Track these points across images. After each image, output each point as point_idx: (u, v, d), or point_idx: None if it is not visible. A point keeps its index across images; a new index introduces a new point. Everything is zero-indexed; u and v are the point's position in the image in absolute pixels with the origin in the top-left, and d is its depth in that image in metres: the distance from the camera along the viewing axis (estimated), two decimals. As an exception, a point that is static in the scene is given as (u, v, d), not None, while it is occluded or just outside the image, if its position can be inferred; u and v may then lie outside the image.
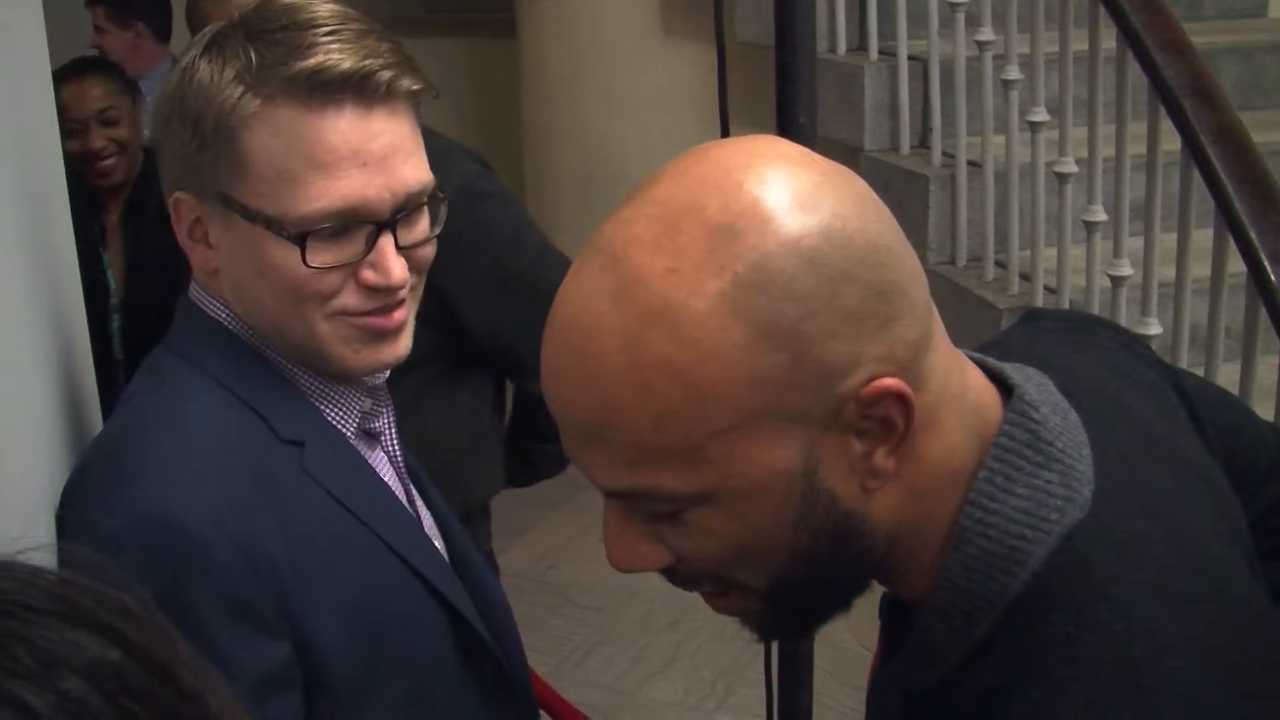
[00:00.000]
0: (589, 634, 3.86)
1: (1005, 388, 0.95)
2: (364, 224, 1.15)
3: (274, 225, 1.13)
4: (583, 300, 0.86)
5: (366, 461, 1.25)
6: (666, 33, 4.09)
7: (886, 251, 0.86)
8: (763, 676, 2.07)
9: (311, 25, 1.13)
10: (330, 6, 1.17)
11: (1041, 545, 0.89)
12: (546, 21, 4.57)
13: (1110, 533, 0.90)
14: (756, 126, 2.20)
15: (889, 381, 0.85)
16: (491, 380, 2.26)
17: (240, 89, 1.12)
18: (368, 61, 1.13)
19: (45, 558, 0.56)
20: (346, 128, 1.13)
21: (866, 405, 0.85)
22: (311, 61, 1.11)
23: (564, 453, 0.92)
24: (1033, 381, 0.96)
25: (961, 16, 3.12)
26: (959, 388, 0.92)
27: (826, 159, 0.91)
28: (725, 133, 1.77)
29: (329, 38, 1.13)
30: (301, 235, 1.12)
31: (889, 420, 0.86)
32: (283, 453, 1.16)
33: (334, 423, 1.23)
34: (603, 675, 3.66)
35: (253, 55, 1.12)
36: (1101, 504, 0.91)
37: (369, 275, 1.16)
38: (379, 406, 1.28)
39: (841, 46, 3.46)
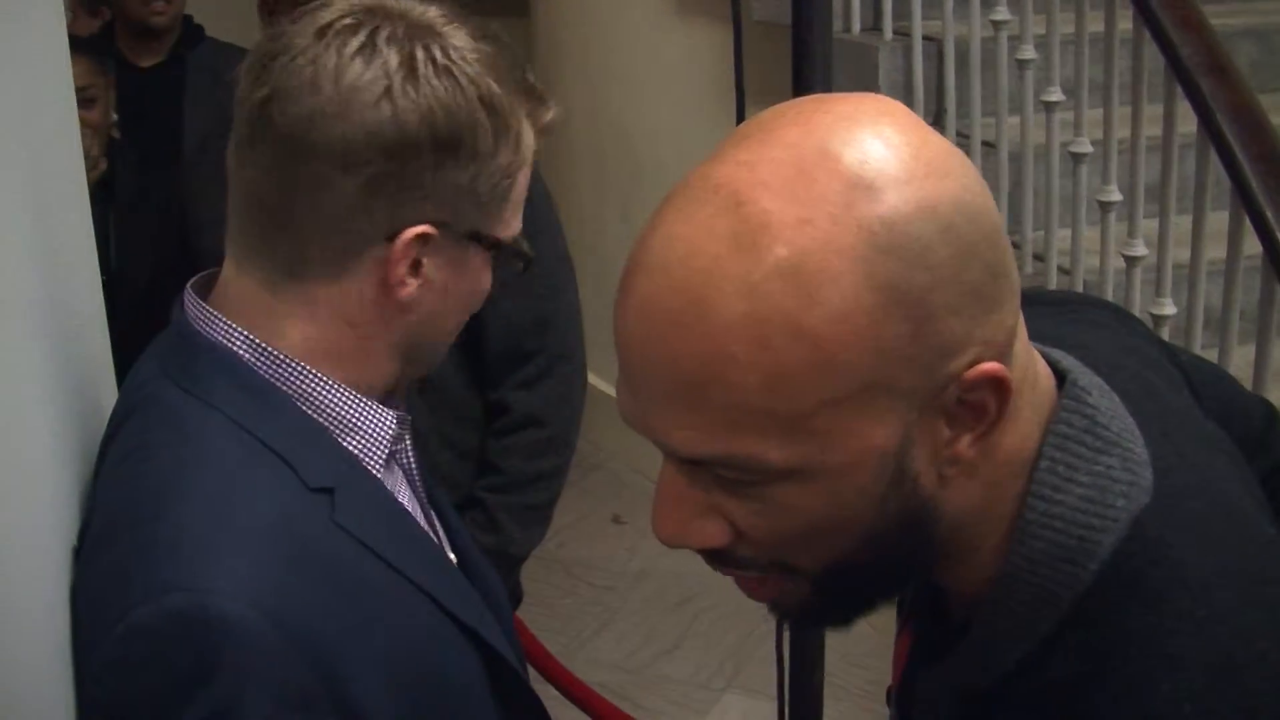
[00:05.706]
0: (599, 612, 3.87)
1: (1056, 372, 0.92)
2: None
3: (513, 253, 1.20)
4: (697, 242, 0.79)
5: (394, 498, 1.19)
6: (681, 11, 4.08)
7: (1001, 232, 0.84)
8: (773, 655, 2.07)
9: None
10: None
11: (1110, 534, 0.86)
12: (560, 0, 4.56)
13: (1175, 515, 0.87)
14: (771, 106, 2.20)
15: (992, 366, 0.82)
16: None
17: (529, 127, 1.17)
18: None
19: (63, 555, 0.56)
20: None
21: (966, 389, 0.82)
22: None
23: (621, 418, 0.86)
24: (1072, 363, 0.93)
25: (977, -4, 3.10)
26: (1033, 375, 0.89)
27: None
28: (741, 112, 1.77)
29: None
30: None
31: (982, 406, 0.83)
32: (312, 505, 1.08)
33: (358, 452, 1.15)
34: (613, 654, 3.67)
35: (528, 91, 1.17)
36: (1161, 486, 0.88)
37: None
38: (404, 429, 1.22)
39: (856, 26, 3.45)
